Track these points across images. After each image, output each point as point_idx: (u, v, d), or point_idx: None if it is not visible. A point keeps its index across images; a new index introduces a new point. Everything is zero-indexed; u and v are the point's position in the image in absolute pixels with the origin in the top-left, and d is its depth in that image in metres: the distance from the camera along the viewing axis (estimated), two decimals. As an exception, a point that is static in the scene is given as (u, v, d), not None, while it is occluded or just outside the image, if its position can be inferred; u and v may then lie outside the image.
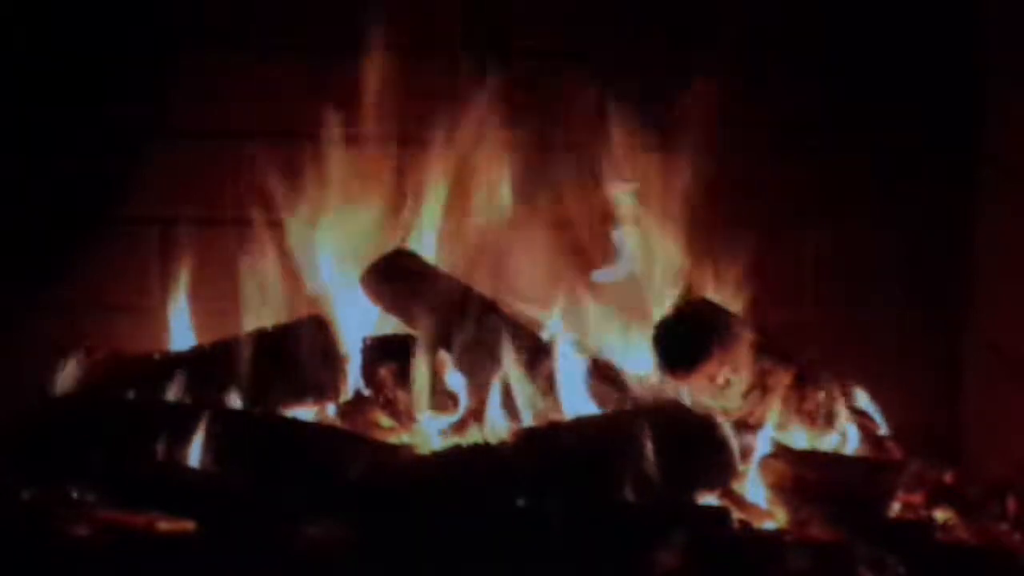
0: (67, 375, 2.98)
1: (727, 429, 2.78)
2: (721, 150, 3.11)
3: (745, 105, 3.17)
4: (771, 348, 2.92)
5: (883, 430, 2.99)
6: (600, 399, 2.91)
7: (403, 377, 2.93)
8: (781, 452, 2.81)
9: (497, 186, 3.15)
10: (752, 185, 3.18)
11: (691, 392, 2.89)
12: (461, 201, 3.14)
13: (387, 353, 2.97)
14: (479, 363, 2.94)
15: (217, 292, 3.11)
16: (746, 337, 2.87)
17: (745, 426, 2.85)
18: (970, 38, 3.16)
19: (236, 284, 3.08)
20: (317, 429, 2.87)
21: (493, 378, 2.91)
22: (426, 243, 3.13)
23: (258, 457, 2.74)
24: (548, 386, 2.91)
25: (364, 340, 3.00)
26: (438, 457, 2.75)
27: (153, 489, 2.66)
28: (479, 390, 2.93)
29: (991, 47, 3.12)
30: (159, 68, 3.17)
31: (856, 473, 2.78)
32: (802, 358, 2.95)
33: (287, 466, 2.72)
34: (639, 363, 2.98)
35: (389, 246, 3.09)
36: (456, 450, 2.76)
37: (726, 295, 3.01)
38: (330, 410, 2.98)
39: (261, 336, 2.99)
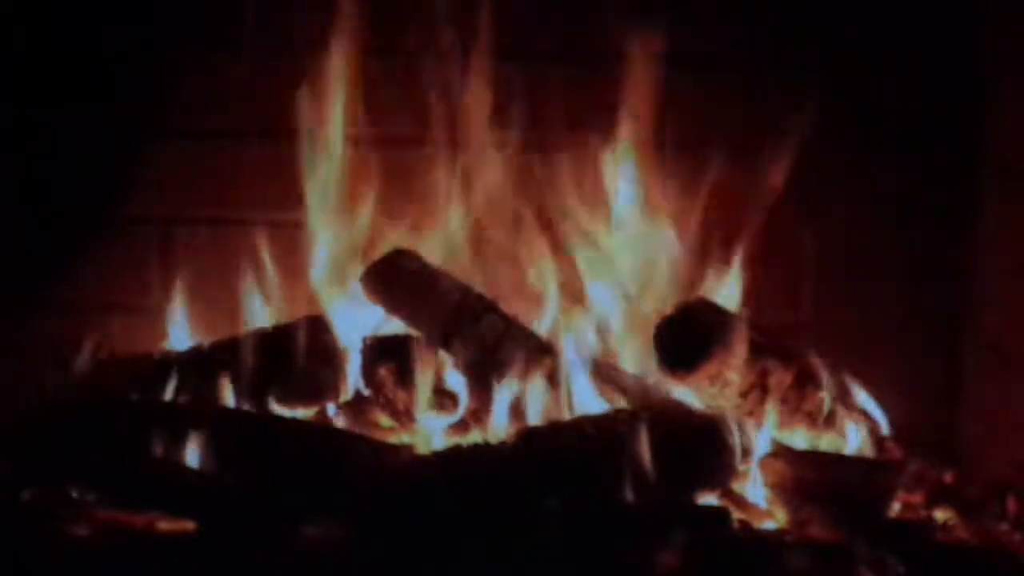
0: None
1: (727, 429, 2.78)
2: (721, 150, 3.11)
3: (742, 103, 3.17)
4: (771, 348, 2.92)
5: (883, 430, 2.99)
6: (600, 399, 2.91)
7: (403, 377, 2.93)
8: (781, 452, 2.80)
9: (497, 186, 3.15)
10: (752, 185, 3.17)
11: (691, 392, 2.88)
12: (462, 201, 3.15)
13: (387, 353, 2.97)
14: (479, 363, 2.95)
15: (217, 292, 3.11)
16: (746, 337, 2.87)
17: (745, 426, 2.85)
18: (970, 38, 3.16)
19: (236, 284, 3.08)
20: (317, 429, 2.87)
21: (493, 378, 2.91)
22: (426, 243, 3.13)
23: (258, 457, 2.74)
24: (548, 386, 2.90)
25: (364, 340, 3.00)
26: (438, 457, 2.75)
27: (153, 489, 2.66)
28: (479, 390, 2.93)
29: (991, 47, 3.12)
30: (159, 68, 3.17)
31: (856, 473, 2.78)
32: (802, 358, 2.95)
33: (287, 466, 2.72)
34: (639, 363, 2.99)
35: (389, 246, 3.09)
36: (456, 450, 2.75)
37: (726, 295, 3.01)
38: (330, 410, 2.98)
39: (261, 336, 2.99)
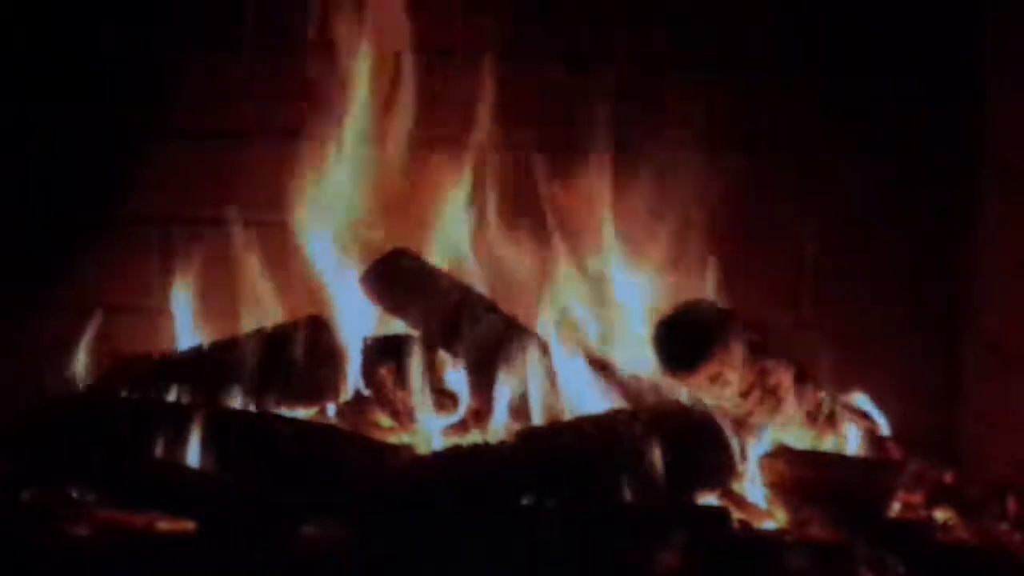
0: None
1: (727, 429, 2.78)
2: (721, 150, 3.11)
3: (744, 105, 3.17)
4: (771, 348, 2.92)
5: (883, 430, 2.99)
6: (600, 399, 2.91)
7: (403, 377, 2.93)
8: (781, 452, 2.81)
9: (497, 186, 3.15)
10: (752, 185, 3.18)
11: (691, 392, 2.88)
12: (462, 201, 3.15)
13: (387, 353, 2.97)
14: (479, 363, 2.95)
15: (217, 292, 3.11)
16: (746, 337, 2.86)
17: (745, 426, 2.85)
18: (970, 38, 3.16)
19: (236, 284, 3.08)
20: (317, 429, 2.87)
21: (493, 378, 2.91)
22: (427, 243, 3.13)
23: (258, 457, 2.74)
24: (548, 386, 2.90)
25: (364, 340, 3.01)
26: (438, 457, 2.75)
27: (153, 489, 2.66)
28: (479, 390, 2.93)
29: (991, 47, 3.12)
30: (159, 68, 3.17)
31: (856, 473, 2.78)
32: (802, 358, 2.95)
33: (287, 466, 2.72)
34: (639, 363, 2.98)
35: (389, 246, 3.09)
36: (456, 450, 2.76)
37: (726, 296, 3.01)
38: (330, 410, 2.98)
39: (261, 336, 2.99)
